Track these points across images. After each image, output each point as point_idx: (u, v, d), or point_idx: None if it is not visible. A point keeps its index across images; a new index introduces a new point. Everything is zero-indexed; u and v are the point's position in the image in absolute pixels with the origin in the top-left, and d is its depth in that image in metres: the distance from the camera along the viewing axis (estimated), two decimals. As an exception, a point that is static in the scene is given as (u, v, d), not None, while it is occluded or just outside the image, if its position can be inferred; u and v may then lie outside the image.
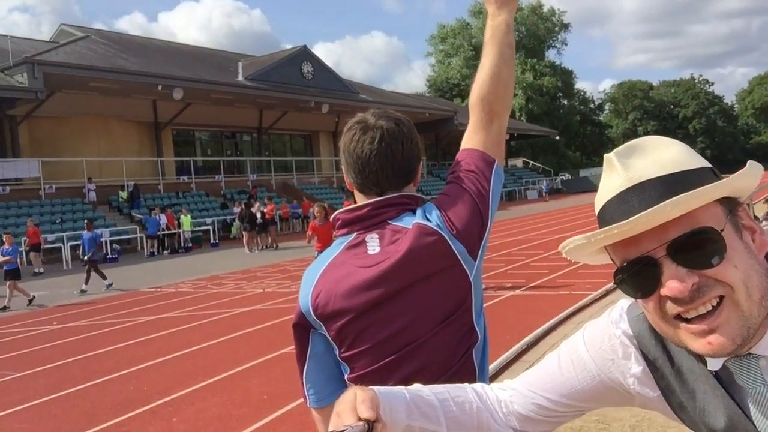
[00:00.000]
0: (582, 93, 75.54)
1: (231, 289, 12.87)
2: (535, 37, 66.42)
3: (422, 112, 39.99)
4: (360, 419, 0.82)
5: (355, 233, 1.57)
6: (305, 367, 1.60)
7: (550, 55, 69.93)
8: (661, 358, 0.96)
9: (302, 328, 1.59)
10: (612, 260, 0.93)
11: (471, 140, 1.64)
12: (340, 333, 1.52)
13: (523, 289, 9.88)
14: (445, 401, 1.04)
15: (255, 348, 7.44)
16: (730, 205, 0.86)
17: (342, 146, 1.62)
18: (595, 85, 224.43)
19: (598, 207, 0.91)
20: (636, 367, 0.99)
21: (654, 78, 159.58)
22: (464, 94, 62.19)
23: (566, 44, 72.30)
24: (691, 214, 0.82)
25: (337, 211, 1.63)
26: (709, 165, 0.89)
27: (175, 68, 29.40)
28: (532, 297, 9.21)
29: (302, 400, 1.69)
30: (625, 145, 0.92)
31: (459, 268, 1.49)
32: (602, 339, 1.03)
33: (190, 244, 24.42)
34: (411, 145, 1.59)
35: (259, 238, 22.95)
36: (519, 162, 58.74)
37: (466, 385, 1.11)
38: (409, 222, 1.52)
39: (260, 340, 7.90)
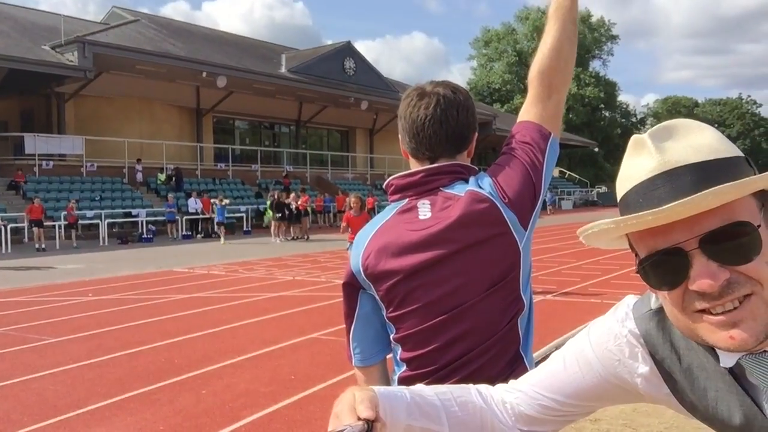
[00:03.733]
0: (624, 106, 74.55)
1: (262, 275, 13.03)
2: (581, 46, 65.36)
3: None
4: (359, 419, 0.82)
5: (407, 199, 1.59)
6: (353, 326, 1.64)
7: (595, 65, 69.16)
8: (669, 358, 0.94)
9: (352, 288, 1.63)
10: (631, 248, 0.89)
11: (528, 113, 1.64)
12: (389, 293, 1.55)
13: (553, 294, 9.81)
14: (448, 401, 1.03)
15: (284, 331, 7.53)
16: (763, 198, 0.83)
17: (399, 112, 1.65)
18: (637, 98, 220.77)
19: (622, 190, 0.87)
20: (643, 367, 0.97)
21: (698, 95, 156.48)
22: (504, 100, 61.85)
23: (612, 55, 71.35)
24: (727, 206, 0.78)
25: (390, 177, 1.66)
26: (742, 153, 0.86)
27: (220, 56, 29.80)
28: (562, 303, 9.14)
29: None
30: (658, 126, 0.88)
31: (509, 237, 1.50)
32: (608, 338, 1.00)
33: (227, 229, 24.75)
34: (467, 114, 1.61)
35: (291, 229, 23.17)
36: (555, 171, 58.01)
37: (469, 386, 1.11)
38: (461, 190, 1.54)
39: (289, 323, 7.99)
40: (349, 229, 10.58)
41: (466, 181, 1.57)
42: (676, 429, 4.19)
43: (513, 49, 64.85)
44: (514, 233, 1.51)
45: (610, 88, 67.87)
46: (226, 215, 22.80)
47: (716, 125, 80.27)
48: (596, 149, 58.62)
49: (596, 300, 9.18)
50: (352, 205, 10.78)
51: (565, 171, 58.41)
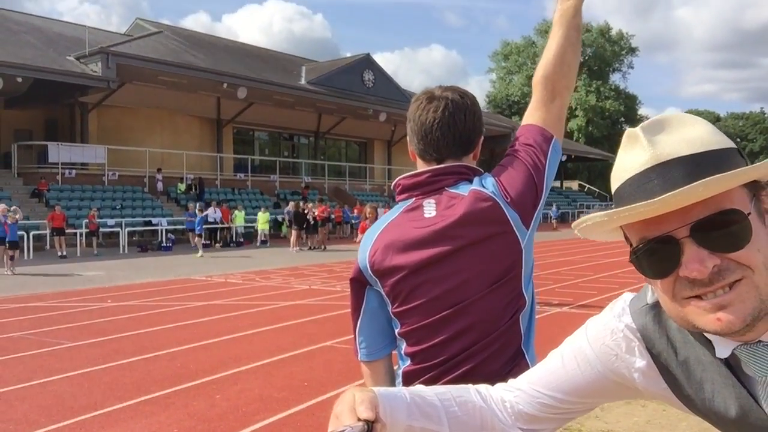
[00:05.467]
0: (646, 119, 73.56)
1: (278, 284, 13.09)
2: (601, 59, 65.41)
3: (479, 128, 39.80)
4: (359, 420, 0.82)
5: (414, 198, 1.64)
6: (359, 321, 1.68)
7: (615, 78, 68.81)
8: (665, 351, 0.94)
9: (359, 284, 1.68)
10: (626, 238, 0.91)
11: (531, 116, 1.69)
12: (394, 288, 1.59)
13: (570, 306, 9.76)
14: (447, 401, 1.03)
15: (299, 338, 7.57)
16: (754, 188, 0.84)
17: (408, 115, 1.70)
18: (658, 112, 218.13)
19: (616, 183, 0.89)
20: (640, 361, 0.97)
21: (720, 109, 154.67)
22: (523, 112, 61.23)
23: (632, 67, 70.89)
24: (718, 195, 0.79)
25: (398, 177, 1.70)
26: (735, 145, 0.87)
27: (241, 68, 30.13)
28: (579, 315, 9.08)
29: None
30: (651, 119, 0.90)
31: (512, 235, 1.54)
32: (605, 333, 1.01)
33: (242, 240, 24.92)
34: (473, 118, 1.65)
35: (308, 239, 23.28)
36: (574, 185, 57.82)
37: (469, 385, 1.11)
38: (465, 189, 1.58)
39: (304, 331, 8.03)
40: None
41: (470, 181, 1.62)
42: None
43: (532, 62, 64.68)
44: (516, 231, 1.55)
45: (630, 102, 67.47)
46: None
47: (738, 140, 79.08)
48: (616, 162, 58.12)
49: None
50: (368, 215, 10.86)
51: (584, 184, 58.05)
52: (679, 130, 0.86)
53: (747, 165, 0.84)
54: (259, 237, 24.37)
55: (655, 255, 0.84)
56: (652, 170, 0.83)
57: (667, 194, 0.78)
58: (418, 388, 1.04)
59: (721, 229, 0.80)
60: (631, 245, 0.89)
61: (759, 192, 0.85)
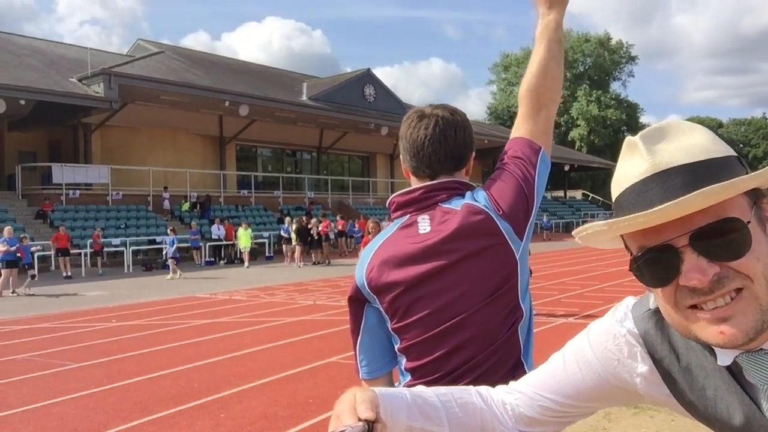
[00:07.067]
0: (647, 127, 73.87)
1: (283, 300, 13.07)
2: (601, 69, 65.62)
3: (481, 139, 39.88)
4: (360, 420, 0.83)
5: (408, 215, 1.66)
6: (359, 339, 1.69)
7: (615, 87, 69.00)
8: (668, 357, 0.94)
9: (357, 302, 1.69)
10: (626, 246, 0.91)
11: (518, 129, 1.71)
12: (392, 305, 1.60)
13: (575, 317, 9.70)
14: (448, 403, 1.03)
15: (303, 355, 7.54)
16: (755, 196, 0.84)
17: (400, 133, 1.73)
18: (659, 119, 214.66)
19: (616, 191, 0.89)
20: (642, 366, 0.97)
21: (722, 115, 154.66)
22: (525, 123, 61.77)
23: (633, 76, 71.06)
24: (718, 204, 0.79)
25: (392, 195, 1.72)
26: (734, 153, 0.87)
27: (242, 85, 30.29)
28: (585, 326, 9.01)
29: None
30: (650, 127, 0.90)
31: (506, 247, 1.55)
32: (607, 338, 1.01)
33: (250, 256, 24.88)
34: (464, 134, 1.68)
35: (313, 254, 23.28)
36: (578, 194, 57.79)
37: (470, 387, 1.11)
38: (458, 204, 1.60)
39: (309, 348, 8.00)
40: None
41: (463, 195, 1.63)
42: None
43: (533, 73, 64.97)
44: (510, 243, 1.56)
45: (631, 110, 67.57)
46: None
47: (741, 145, 78.92)
48: (619, 171, 58.08)
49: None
50: (370, 230, 10.88)
51: (588, 193, 57.99)
52: (678, 138, 0.86)
53: (747, 173, 0.84)
54: (244, 255, 22.52)
55: (655, 264, 0.84)
56: (651, 179, 0.83)
57: (666, 204, 0.78)
58: (419, 389, 1.04)
59: (720, 238, 0.80)
60: (631, 254, 0.89)
61: (759, 199, 0.84)
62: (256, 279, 17.78)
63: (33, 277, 15.92)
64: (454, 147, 1.65)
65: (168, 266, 19.24)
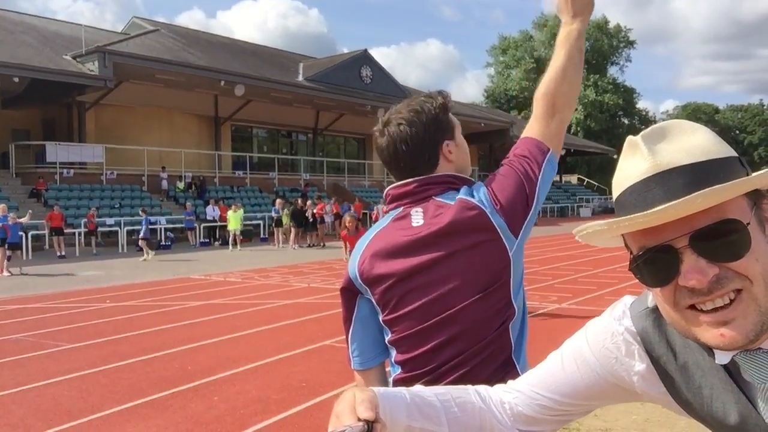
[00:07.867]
0: (644, 112, 73.95)
1: (277, 282, 13.09)
2: (598, 53, 65.27)
3: (477, 122, 39.83)
4: (359, 419, 0.83)
5: (402, 207, 1.66)
6: (351, 330, 1.70)
7: (613, 71, 68.72)
8: (665, 355, 0.94)
9: (350, 293, 1.70)
10: (626, 245, 0.91)
11: (531, 130, 1.70)
12: (383, 296, 1.61)
13: (568, 303, 9.75)
14: (447, 402, 1.04)
15: (297, 338, 7.56)
16: (755, 197, 0.84)
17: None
18: (656, 105, 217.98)
19: (617, 191, 0.90)
20: (640, 364, 0.97)
21: (719, 101, 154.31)
22: (522, 107, 61.65)
23: (630, 60, 70.81)
24: (718, 205, 0.79)
25: (388, 187, 1.73)
26: (735, 153, 0.87)
27: (238, 65, 30.07)
28: (578, 311, 9.08)
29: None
30: (652, 128, 0.90)
31: (499, 243, 1.55)
32: (605, 336, 1.01)
33: (241, 237, 24.86)
34: (418, 140, 1.65)
35: (308, 236, 23.27)
36: (573, 179, 57.85)
37: (468, 387, 1.12)
38: (452, 198, 1.61)
39: (303, 331, 8.02)
40: (348, 246, 10.80)
41: (458, 190, 1.63)
42: (689, 439, 4.14)
43: (530, 57, 64.67)
44: (503, 239, 1.55)
45: (628, 95, 67.36)
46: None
47: (737, 132, 78.84)
48: (615, 156, 58.19)
49: (612, 308, 9.10)
50: (347, 225, 10.98)
51: (583, 178, 58.08)
52: (680, 139, 0.86)
53: (748, 174, 0.84)
54: (235, 238, 22.14)
55: (655, 264, 0.84)
56: (652, 179, 0.84)
57: (666, 205, 0.79)
58: (418, 389, 1.04)
59: (720, 239, 0.80)
60: (631, 253, 0.89)
61: (760, 200, 0.85)
62: (256, 260, 17.78)
63: (8, 258, 15.49)
64: (410, 160, 1.65)
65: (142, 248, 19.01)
